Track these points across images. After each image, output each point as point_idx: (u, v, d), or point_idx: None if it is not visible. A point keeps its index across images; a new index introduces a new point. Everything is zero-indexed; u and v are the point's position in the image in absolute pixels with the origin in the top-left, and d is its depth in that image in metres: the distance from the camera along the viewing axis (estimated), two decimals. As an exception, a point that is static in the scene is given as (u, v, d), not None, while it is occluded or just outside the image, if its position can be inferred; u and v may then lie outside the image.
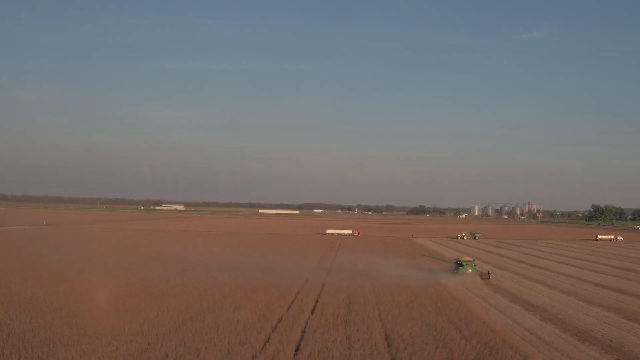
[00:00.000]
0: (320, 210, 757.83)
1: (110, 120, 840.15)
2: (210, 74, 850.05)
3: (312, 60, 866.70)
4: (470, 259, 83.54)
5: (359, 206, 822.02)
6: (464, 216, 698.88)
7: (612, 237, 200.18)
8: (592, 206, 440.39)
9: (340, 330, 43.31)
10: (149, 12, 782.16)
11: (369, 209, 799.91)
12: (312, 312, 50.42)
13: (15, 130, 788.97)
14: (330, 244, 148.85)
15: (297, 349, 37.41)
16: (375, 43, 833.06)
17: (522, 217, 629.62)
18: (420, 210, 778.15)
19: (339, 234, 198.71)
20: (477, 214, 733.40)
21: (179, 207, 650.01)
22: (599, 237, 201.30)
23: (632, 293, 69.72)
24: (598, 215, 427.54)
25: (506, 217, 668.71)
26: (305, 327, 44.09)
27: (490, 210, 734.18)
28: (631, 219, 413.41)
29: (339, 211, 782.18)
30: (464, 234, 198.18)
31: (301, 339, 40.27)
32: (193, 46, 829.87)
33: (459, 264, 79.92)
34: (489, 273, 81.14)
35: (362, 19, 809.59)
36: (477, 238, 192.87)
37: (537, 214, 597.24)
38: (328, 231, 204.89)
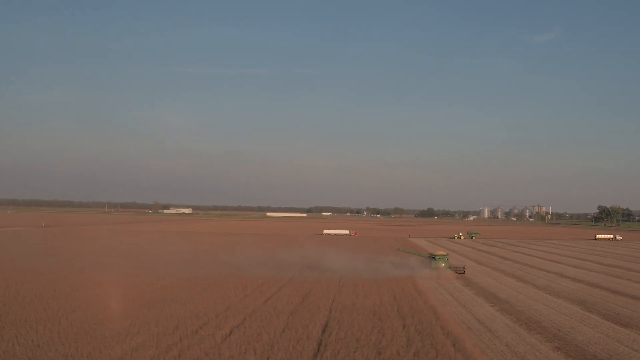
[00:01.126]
0: (328, 214, 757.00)
1: (120, 124, 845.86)
2: (219, 78, 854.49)
3: (322, 64, 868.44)
4: (445, 253, 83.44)
5: (367, 209, 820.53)
6: (472, 218, 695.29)
7: (611, 236, 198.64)
8: (599, 207, 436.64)
9: (283, 317, 43.09)
10: (159, 16, 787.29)
11: (377, 211, 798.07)
12: (265, 302, 50.24)
13: (25, 134, 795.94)
14: (321, 243, 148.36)
15: (230, 334, 37.21)
16: (384, 46, 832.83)
17: (531, 219, 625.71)
18: (429, 213, 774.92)
19: (335, 235, 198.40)
20: (486, 216, 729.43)
21: (186, 211, 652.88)
22: (597, 236, 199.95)
23: (604, 287, 68.83)
24: (604, 217, 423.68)
25: (514, 219, 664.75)
26: (250, 315, 43.89)
27: (499, 213, 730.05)
28: (638, 220, 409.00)
29: (348, 214, 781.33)
30: (460, 234, 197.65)
31: (239, 324, 40.07)
32: (202, 50, 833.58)
33: (432, 258, 79.81)
34: (464, 268, 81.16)
35: (371, 22, 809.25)
36: (474, 238, 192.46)
37: (546, 216, 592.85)
38: (325, 231, 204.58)
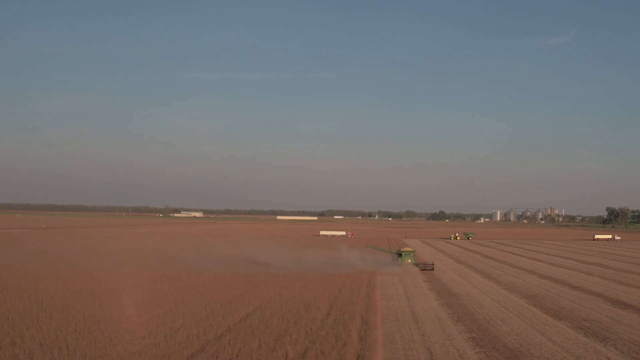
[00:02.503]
0: (340, 217, 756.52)
1: (133, 129, 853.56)
2: (232, 83, 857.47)
3: (334, 69, 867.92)
4: (411, 249, 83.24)
5: (379, 212, 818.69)
6: (483, 221, 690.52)
7: (610, 236, 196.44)
8: (607, 209, 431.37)
9: (211, 307, 42.79)
10: (172, 22, 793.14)
11: (389, 215, 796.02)
12: (201, 293, 50.05)
13: (39, 140, 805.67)
14: (312, 242, 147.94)
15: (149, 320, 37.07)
16: (397, 50, 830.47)
17: (542, 222, 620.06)
18: (440, 216, 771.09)
19: (332, 235, 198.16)
20: (498, 219, 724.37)
21: (197, 215, 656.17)
22: (596, 236, 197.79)
23: (567, 283, 67.61)
24: (613, 218, 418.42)
25: (525, 221, 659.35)
26: (176, 304, 43.71)
27: (512, 215, 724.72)
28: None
29: (359, 217, 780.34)
30: (457, 235, 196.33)
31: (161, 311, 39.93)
32: (214, 55, 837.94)
33: (399, 254, 79.48)
34: (433, 264, 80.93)
35: (385, 27, 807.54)
36: (470, 238, 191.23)
37: (557, 218, 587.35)
38: (321, 232, 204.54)
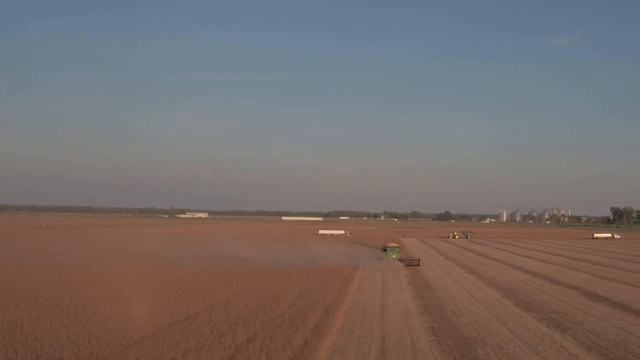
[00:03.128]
0: (346, 218, 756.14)
1: (140, 131, 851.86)
2: (237, 83, 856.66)
3: (340, 70, 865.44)
4: (396, 245, 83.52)
5: (385, 213, 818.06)
6: (488, 221, 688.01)
7: (609, 235, 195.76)
8: (611, 209, 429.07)
9: (186, 298, 43.09)
10: (176, 23, 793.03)
11: (395, 215, 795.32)
12: (173, 286, 50.27)
13: (46, 141, 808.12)
14: (307, 241, 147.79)
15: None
16: (401, 51, 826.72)
17: (547, 222, 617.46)
18: (446, 216, 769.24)
19: (330, 234, 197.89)
20: (504, 219, 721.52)
21: (202, 215, 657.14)
22: (595, 235, 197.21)
23: (550, 278, 67.32)
24: (617, 218, 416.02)
25: (531, 222, 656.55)
26: (144, 295, 43.93)
27: (518, 216, 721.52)
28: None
29: (365, 218, 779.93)
30: (455, 234, 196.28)
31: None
32: (219, 56, 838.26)
33: (384, 250, 79.76)
34: (419, 260, 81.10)
35: (389, 28, 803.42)
36: (468, 237, 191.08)
37: (562, 218, 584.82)
38: (320, 232, 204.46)
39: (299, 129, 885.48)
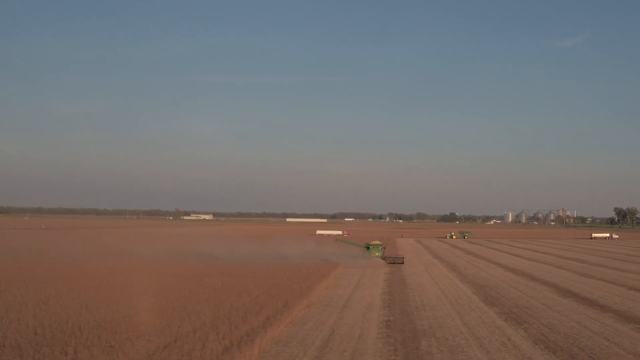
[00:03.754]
0: (351, 219, 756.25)
1: (145, 133, 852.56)
2: (242, 86, 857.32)
3: (346, 72, 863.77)
4: (379, 243, 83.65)
5: (390, 214, 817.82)
6: (492, 223, 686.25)
7: (607, 235, 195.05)
8: (615, 209, 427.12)
9: (143, 293, 43.22)
10: (187, 26, 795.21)
11: (400, 217, 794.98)
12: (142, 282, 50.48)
13: (53, 144, 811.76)
14: (301, 240, 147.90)
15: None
16: (406, 53, 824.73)
17: (552, 223, 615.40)
18: (451, 218, 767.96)
19: (328, 235, 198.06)
20: (510, 220, 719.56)
21: (207, 217, 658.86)
22: (593, 235, 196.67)
23: (529, 275, 67.40)
24: (621, 219, 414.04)
25: (536, 223, 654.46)
26: (104, 291, 44.16)
27: (524, 217, 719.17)
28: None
29: (370, 220, 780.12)
30: (452, 234, 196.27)
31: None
32: (224, 59, 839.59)
33: (367, 248, 79.98)
34: (403, 258, 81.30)
35: (395, 30, 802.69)
36: (466, 237, 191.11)
37: (566, 220, 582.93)
38: (318, 232, 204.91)
39: (304, 131, 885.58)
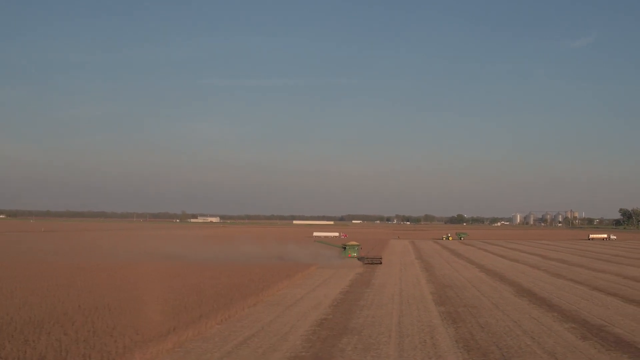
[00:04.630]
0: (358, 221, 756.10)
1: (152, 136, 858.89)
2: (248, 88, 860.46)
3: (352, 74, 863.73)
4: (356, 243, 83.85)
5: (397, 216, 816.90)
6: (500, 224, 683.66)
7: (605, 236, 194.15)
8: (620, 210, 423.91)
9: (102, 292, 44.08)
10: (194, 29, 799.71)
11: (407, 219, 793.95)
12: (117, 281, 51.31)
13: (60, 148, 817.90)
14: (293, 241, 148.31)
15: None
16: (414, 55, 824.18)
17: (559, 224, 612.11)
18: (458, 220, 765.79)
19: (325, 237, 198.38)
20: (518, 222, 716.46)
21: (214, 220, 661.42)
22: (590, 236, 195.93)
23: (502, 275, 67.30)
24: (626, 220, 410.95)
25: (543, 224, 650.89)
26: (74, 289, 44.93)
27: (531, 219, 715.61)
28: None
29: (377, 222, 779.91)
30: (449, 235, 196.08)
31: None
32: (230, 62, 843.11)
33: (343, 248, 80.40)
34: (380, 258, 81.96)
35: (403, 31, 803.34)
36: (462, 239, 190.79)
37: (573, 221, 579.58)
38: (315, 234, 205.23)
39: (312, 133, 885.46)
